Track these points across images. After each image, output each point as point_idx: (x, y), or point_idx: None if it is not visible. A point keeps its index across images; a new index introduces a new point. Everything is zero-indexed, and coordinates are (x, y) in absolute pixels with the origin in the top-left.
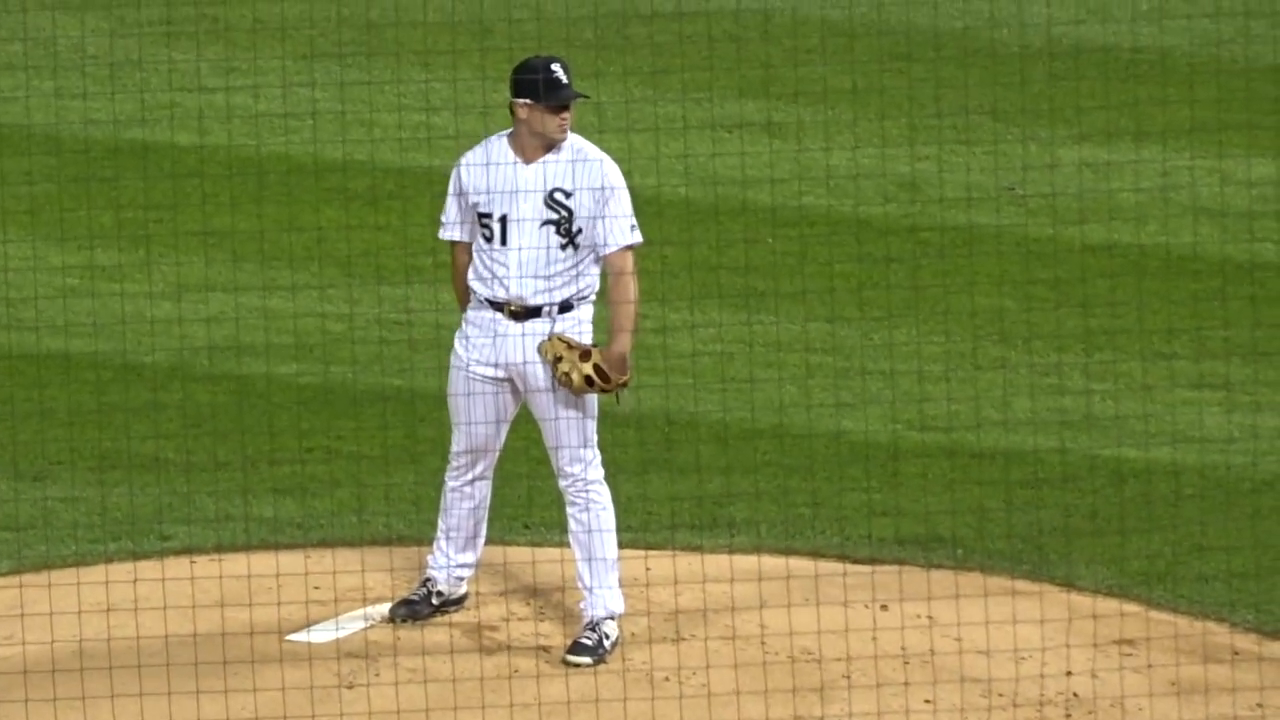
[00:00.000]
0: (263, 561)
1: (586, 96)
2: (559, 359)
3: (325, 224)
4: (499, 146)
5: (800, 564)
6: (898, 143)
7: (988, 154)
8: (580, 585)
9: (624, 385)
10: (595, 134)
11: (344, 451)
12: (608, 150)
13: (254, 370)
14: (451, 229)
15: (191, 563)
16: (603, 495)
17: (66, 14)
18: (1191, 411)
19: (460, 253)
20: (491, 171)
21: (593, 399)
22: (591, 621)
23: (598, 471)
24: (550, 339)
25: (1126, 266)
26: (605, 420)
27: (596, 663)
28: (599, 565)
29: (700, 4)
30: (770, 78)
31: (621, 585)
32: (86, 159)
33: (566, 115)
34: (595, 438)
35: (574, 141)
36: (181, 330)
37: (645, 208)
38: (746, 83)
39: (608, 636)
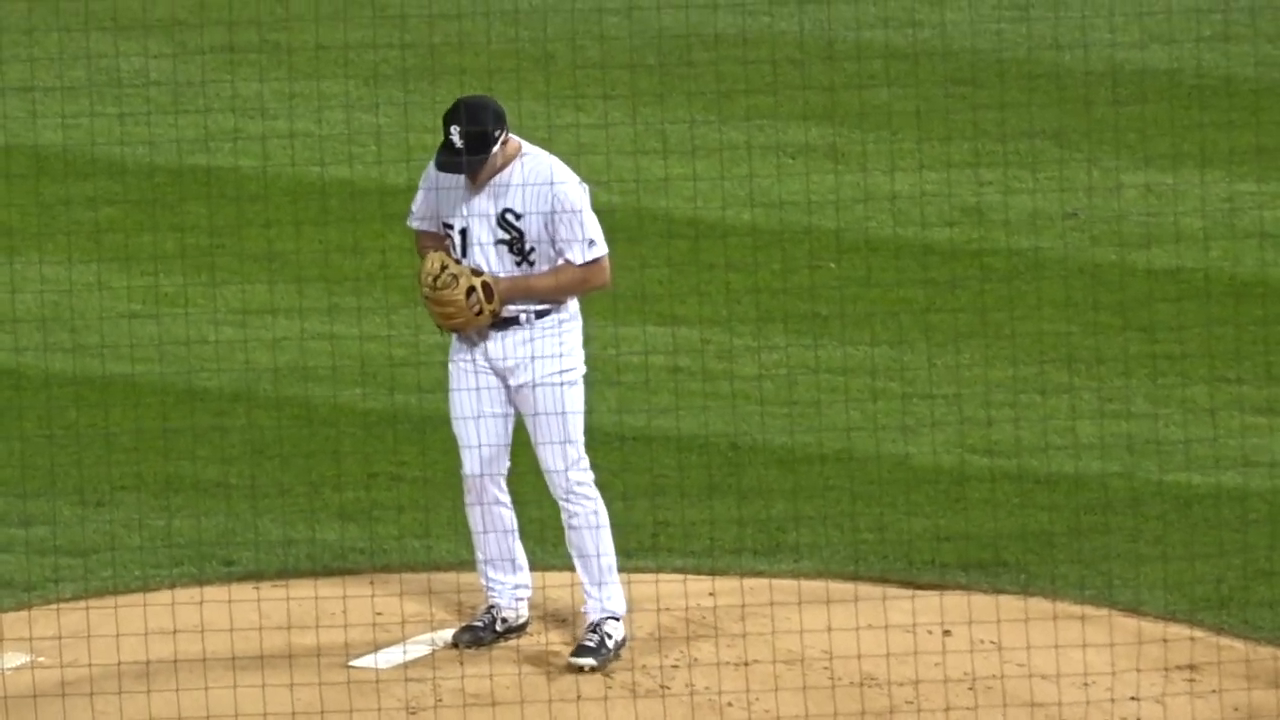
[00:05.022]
0: (328, 587)
1: (460, 171)
2: (444, 267)
3: (389, 248)
4: None
5: (866, 589)
6: (961, 166)
7: (1051, 179)
8: (583, 588)
9: (493, 313)
10: (659, 157)
11: (409, 477)
12: (670, 174)
13: (318, 394)
14: (414, 219)
15: (255, 588)
16: (592, 497)
17: (129, 39)
18: (1258, 436)
19: (423, 239)
20: (453, 181)
21: (577, 397)
22: (593, 624)
23: (585, 474)
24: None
25: (1191, 291)
26: (669, 444)
27: (601, 663)
28: (593, 566)
29: (764, 29)
30: (834, 102)
31: (626, 587)
32: (150, 183)
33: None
34: (580, 440)
35: (531, 160)
36: (246, 354)
37: (709, 232)
38: (810, 107)
39: (610, 636)
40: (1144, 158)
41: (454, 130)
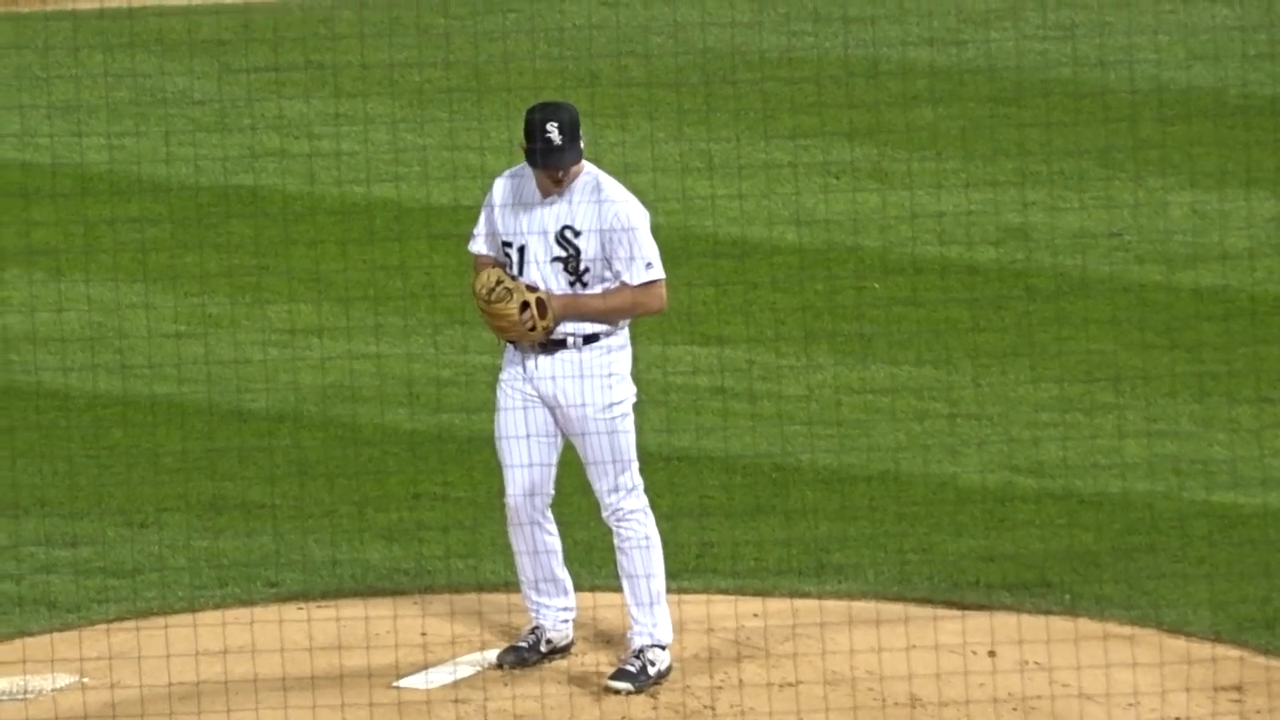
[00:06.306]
0: (376, 607)
1: (565, 166)
2: (499, 281)
3: (435, 267)
4: (526, 176)
5: (915, 610)
6: (1006, 186)
7: (1096, 198)
8: (629, 614)
9: (546, 330)
10: (704, 176)
11: (454, 497)
12: (715, 193)
13: (364, 414)
14: (477, 241)
15: (300, 609)
16: (645, 524)
17: (173, 59)
18: None
19: (481, 266)
20: (515, 199)
21: (628, 425)
22: (637, 649)
23: (638, 501)
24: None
25: (1237, 310)
26: (715, 465)
27: (638, 690)
28: (640, 589)
29: (809, 48)
30: (879, 121)
31: (673, 620)
32: (195, 203)
33: (560, 174)
34: (633, 466)
35: (595, 180)
36: (291, 374)
37: (755, 251)
38: (855, 126)
39: (652, 664)
40: (1189, 177)
41: (550, 126)
